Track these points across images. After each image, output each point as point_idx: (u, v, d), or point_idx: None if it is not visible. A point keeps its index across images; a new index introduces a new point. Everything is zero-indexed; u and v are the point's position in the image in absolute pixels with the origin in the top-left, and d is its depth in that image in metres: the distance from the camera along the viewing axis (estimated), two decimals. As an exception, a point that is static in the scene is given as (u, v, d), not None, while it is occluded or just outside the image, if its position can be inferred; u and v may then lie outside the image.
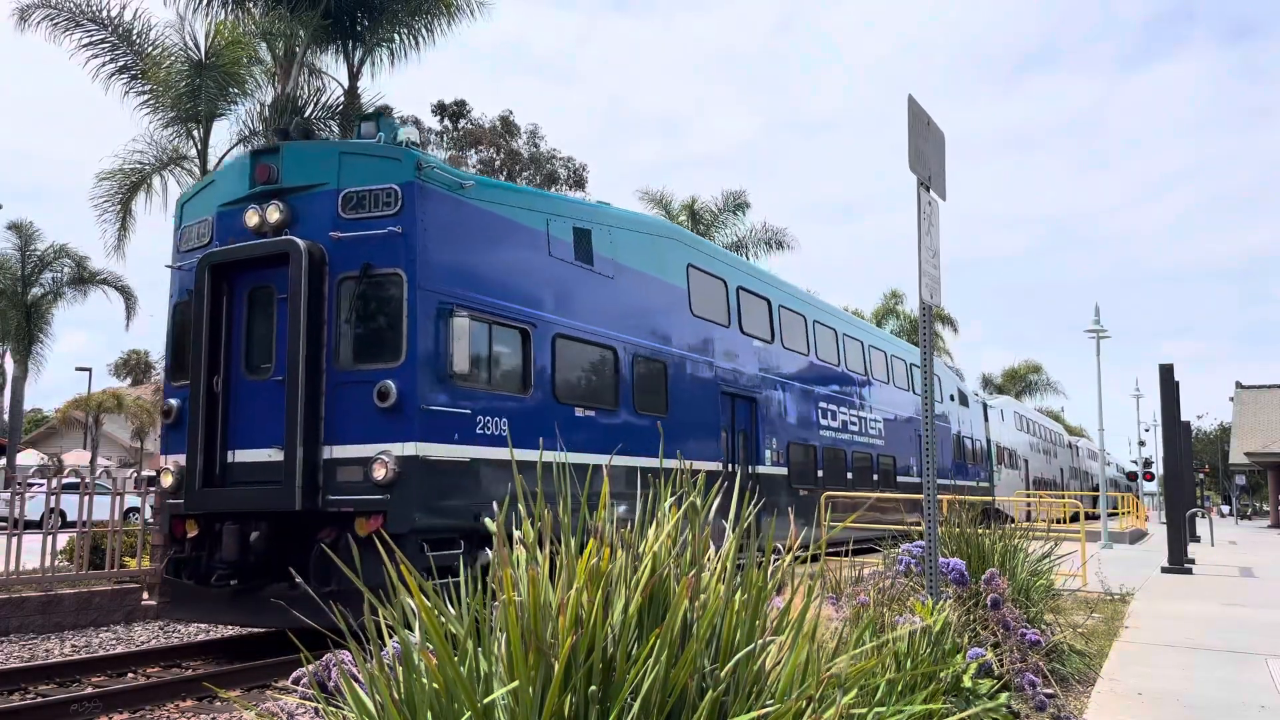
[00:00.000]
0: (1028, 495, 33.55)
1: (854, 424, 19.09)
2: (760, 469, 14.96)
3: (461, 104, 34.04)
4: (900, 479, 21.40)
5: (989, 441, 30.93)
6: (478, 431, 9.03)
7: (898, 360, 22.88)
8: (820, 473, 17.23)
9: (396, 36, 23.43)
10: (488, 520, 2.92)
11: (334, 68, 23.84)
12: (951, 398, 26.42)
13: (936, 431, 6.73)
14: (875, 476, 20.00)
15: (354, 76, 23.27)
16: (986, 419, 31.21)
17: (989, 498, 22.34)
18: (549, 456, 8.67)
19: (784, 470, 15.82)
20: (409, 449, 8.32)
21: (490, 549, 3.72)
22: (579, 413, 10.62)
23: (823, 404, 17.72)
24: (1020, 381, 66.16)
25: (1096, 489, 55.16)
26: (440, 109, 33.66)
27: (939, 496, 16.74)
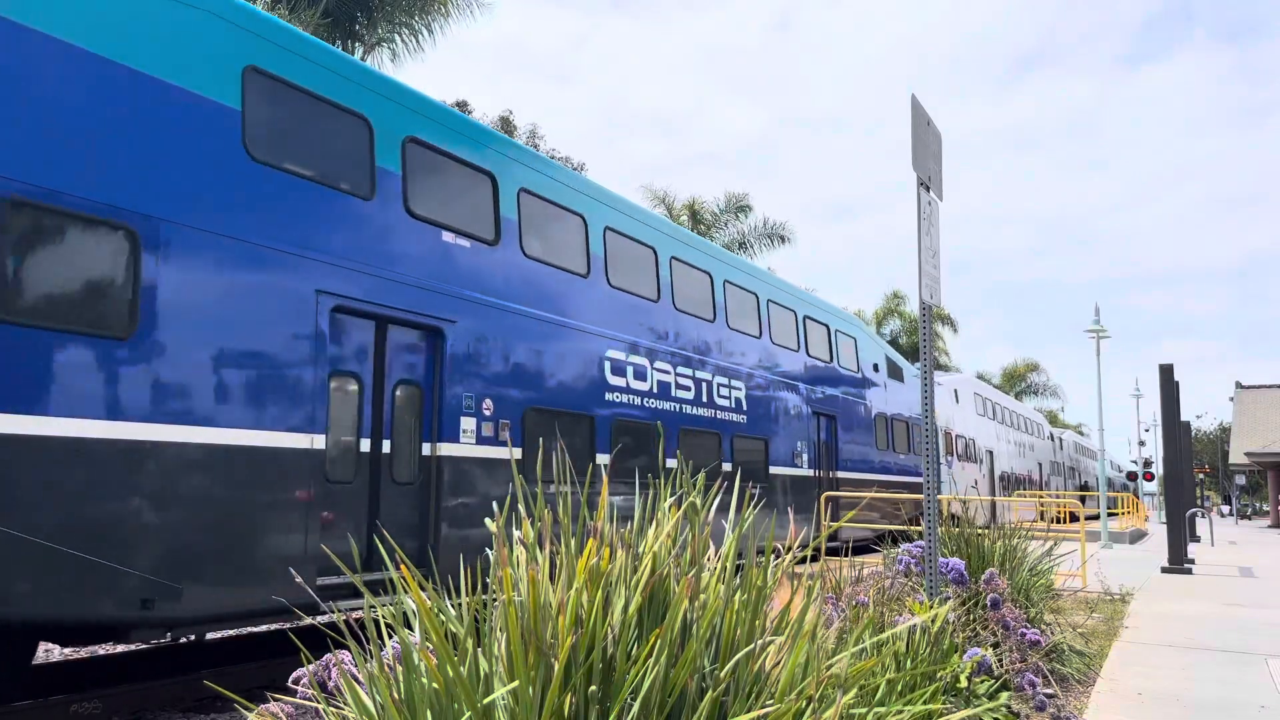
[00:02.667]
0: (1000, 495, 30.39)
1: (683, 388, 12.42)
2: (444, 448, 8.56)
3: (462, 104, 34.02)
4: (778, 470, 14.91)
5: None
6: None
7: (780, 309, 15.93)
8: (606, 457, 10.68)
9: (398, 36, 23.45)
10: (488, 520, 2.92)
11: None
12: (875, 368, 20.02)
13: (935, 430, 6.57)
14: (729, 465, 13.44)
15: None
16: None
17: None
18: None
19: (503, 451, 9.21)
20: None
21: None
22: None
23: (613, 354, 11.03)
24: (1019, 381, 66.05)
25: (1084, 487, 51.45)
26: (440, 109, 33.66)
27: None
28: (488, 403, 9.14)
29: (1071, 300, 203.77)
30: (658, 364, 12.00)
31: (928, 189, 6.22)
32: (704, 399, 12.99)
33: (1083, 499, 30.24)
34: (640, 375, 11.66)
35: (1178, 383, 17.28)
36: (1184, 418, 20.04)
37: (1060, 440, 47.94)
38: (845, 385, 18.01)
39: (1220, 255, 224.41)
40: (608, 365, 10.99)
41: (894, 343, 47.43)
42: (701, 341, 13.21)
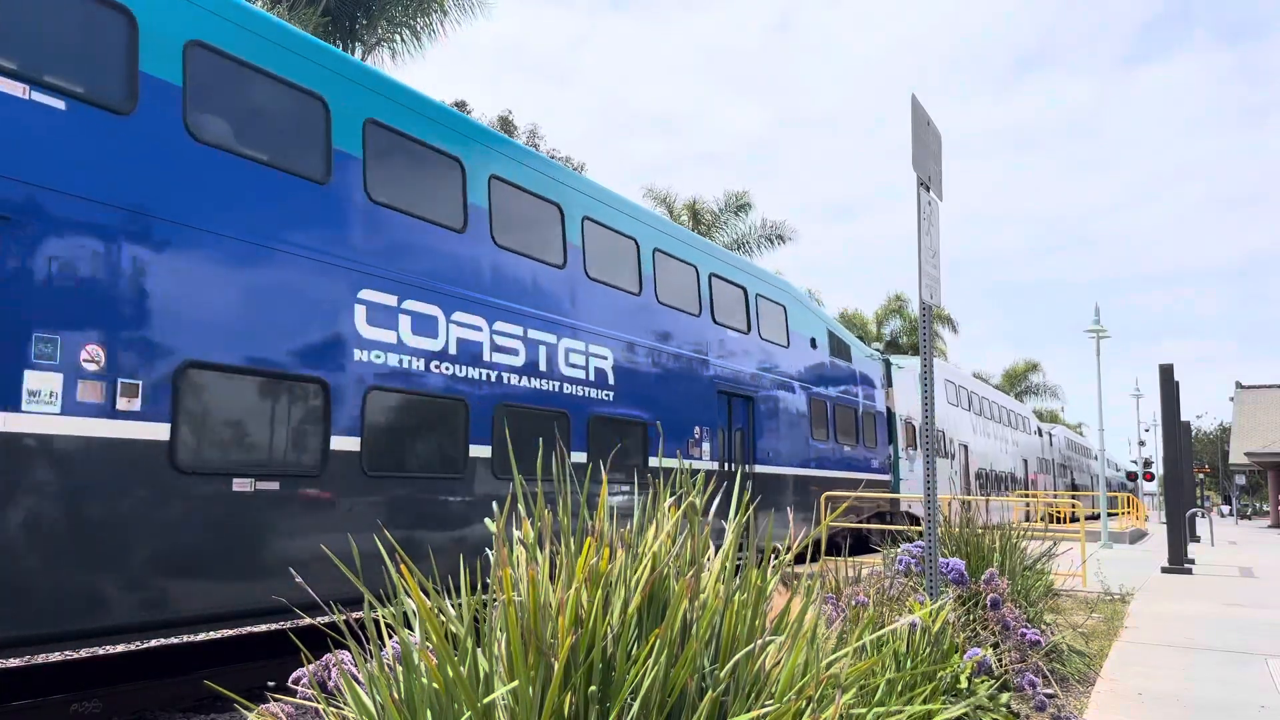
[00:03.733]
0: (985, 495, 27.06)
1: (505, 351, 9.40)
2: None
3: (461, 104, 34.05)
4: (664, 463, 11.27)
5: (891, 415, 20.96)
6: None
7: (672, 263, 12.57)
8: (350, 441, 7.66)
9: (398, 36, 23.47)
10: (488, 520, 2.92)
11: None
12: (813, 343, 16.72)
13: (934, 431, 6.55)
14: (583, 453, 10.27)
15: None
16: (890, 384, 21.13)
17: (885, 494, 18.50)
18: None
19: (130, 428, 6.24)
20: None
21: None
22: None
23: (373, 296, 8.08)
24: (1020, 381, 66.03)
25: (1075, 487, 48.10)
26: (440, 109, 33.70)
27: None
28: (91, 350, 6.02)
29: (1072, 300, 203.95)
30: (458, 316, 8.83)
31: (928, 189, 6.22)
32: (542, 368, 9.80)
33: (1074, 499, 26.54)
34: (425, 329, 8.45)
35: (1178, 383, 17.28)
36: (1184, 417, 20.05)
37: (1050, 436, 43.79)
38: (768, 362, 14.81)
39: (1221, 255, 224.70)
40: (361, 312, 7.85)
41: (894, 343, 47.34)
42: (539, 292, 9.91)
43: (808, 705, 2.70)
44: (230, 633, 10.35)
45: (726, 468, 13.28)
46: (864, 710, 3.09)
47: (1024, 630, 5.19)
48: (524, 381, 9.60)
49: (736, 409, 13.81)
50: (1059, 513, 27.54)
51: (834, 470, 16.76)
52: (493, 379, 9.18)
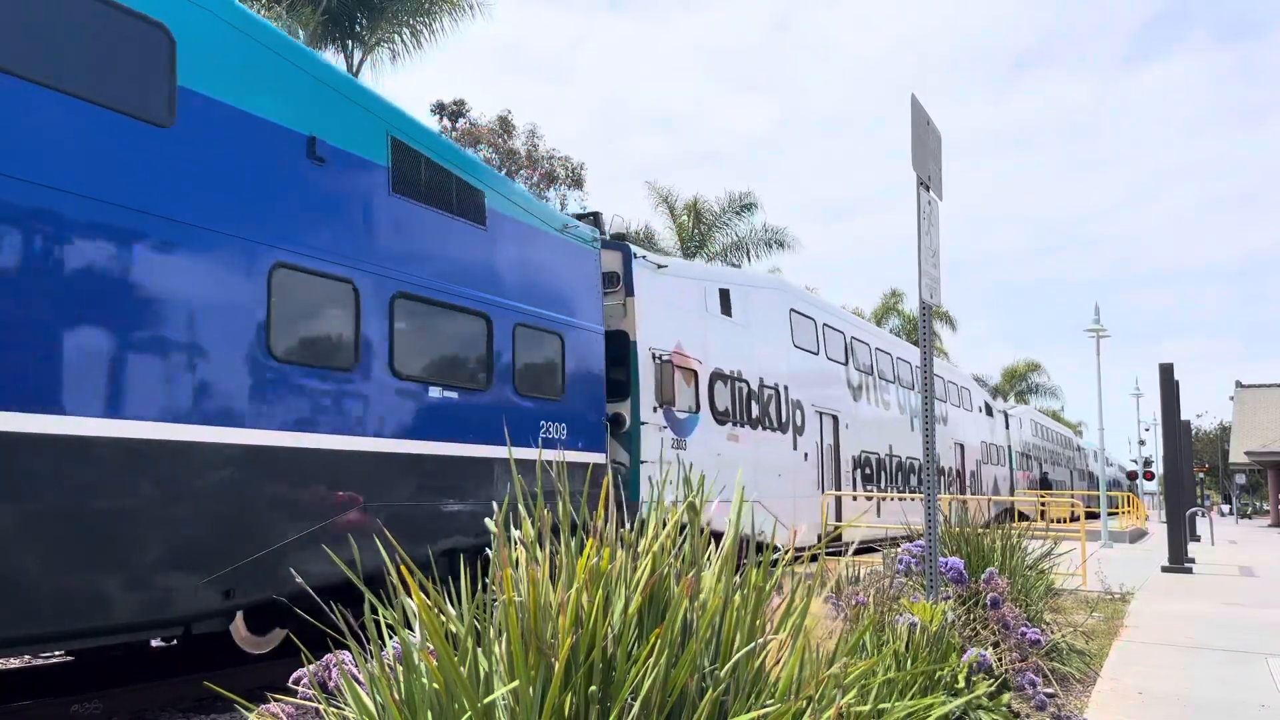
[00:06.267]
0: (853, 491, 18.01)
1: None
2: None
3: (461, 104, 34.03)
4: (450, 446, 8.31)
5: (626, 346, 11.98)
6: None
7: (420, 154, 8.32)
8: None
9: (398, 36, 23.49)
10: (488, 520, 2.92)
11: (334, 68, 23.90)
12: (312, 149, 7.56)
13: (934, 432, 6.50)
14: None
15: (353, 76, 23.31)
16: (629, 291, 12.15)
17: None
18: None
19: None
20: None
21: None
22: None
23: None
24: (1020, 380, 66.08)
25: (1045, 480, 38.99)
26: (440, 109, 33.69)
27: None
28: None
29: (1072, 300, 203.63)
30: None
31: (927, 189, 6.22)
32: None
33: (1043, 500, 21.32)
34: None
35: (1177, 382, 17.29)
36: (1184, 416, 20.05)
37: (1007, 417, 34.49)
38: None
39: (1221, 254, 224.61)
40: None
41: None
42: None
43: (808, 705, 2.70)
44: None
45: None
46: (864, 709, 3.09)
47: (1024, 629, 5.19)
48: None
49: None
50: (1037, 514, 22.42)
51: (395, 438, 8.09)
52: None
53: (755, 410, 14.82)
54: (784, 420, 15.86)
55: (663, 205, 34.13)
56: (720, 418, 13.62)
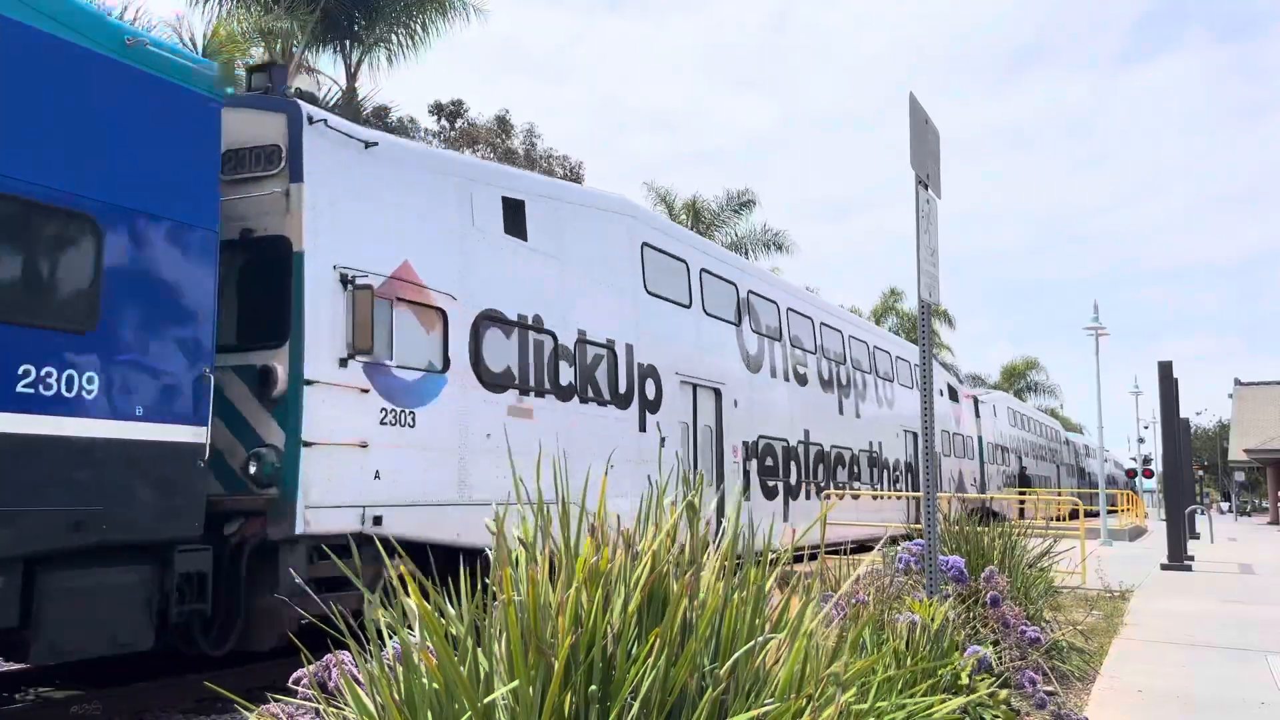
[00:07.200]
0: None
1: None
2: None
3: (459, 103, 34.05)
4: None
5: (283, 254, 7.64)
6: None
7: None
8: None
9: (395, 37, 23.48)
10: (487, 520, 2.92)
11: (332, 68, 23.95)
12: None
13: (933, 433, 6.49)
14: None
15: (351, 76, 23.31)
16: (300, 179, 7.71)
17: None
18: None
19: None
20: None
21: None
22: None
23: None
24: (1019, 378, 66.11)
25: (1024, 475, 34.46)
26: (438, 109, 33.70)
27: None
28: None
29: (1071, 298, 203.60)
30: None
31: (926, 187, 6.22)
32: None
33: (1024, 495, 18.47)
34: None
35: (1177, 380, 17.30)
36: (1184, 414, 20.06)
37: (978, 403, 29.94)
38: None
39: (1221, 252, 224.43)
40: None
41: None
42: None
43: (808, 703, 2.70)
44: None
45: None
46: (864, 707, 3.09)
47: (1024, 628, 5.20)
48: None
49: None
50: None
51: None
52: None
53: (568, 375, 10.53)
54: (623, 391, 11.44)
55: (661, 205, 34.12)
56: (494, 382, 9.45)
